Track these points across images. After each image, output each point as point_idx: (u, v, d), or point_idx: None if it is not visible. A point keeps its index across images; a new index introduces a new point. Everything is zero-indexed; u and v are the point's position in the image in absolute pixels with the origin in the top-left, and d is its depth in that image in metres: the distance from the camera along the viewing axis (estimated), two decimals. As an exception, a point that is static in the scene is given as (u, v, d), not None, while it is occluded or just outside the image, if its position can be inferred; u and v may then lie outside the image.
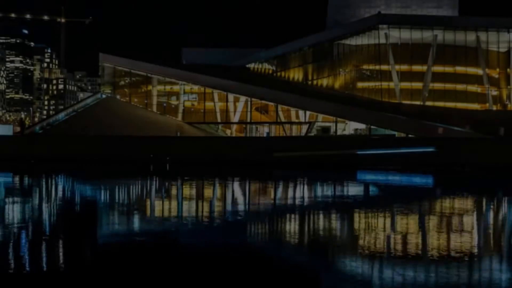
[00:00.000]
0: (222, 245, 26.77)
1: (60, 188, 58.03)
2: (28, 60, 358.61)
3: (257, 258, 24.78)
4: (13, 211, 38.42)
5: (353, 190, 60.29)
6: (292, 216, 38.48)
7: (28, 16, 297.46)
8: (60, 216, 37.88)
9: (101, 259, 24.06)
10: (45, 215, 37.28)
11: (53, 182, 63.90)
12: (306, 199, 49.47)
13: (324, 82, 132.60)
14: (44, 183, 62.78)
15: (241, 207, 43.58)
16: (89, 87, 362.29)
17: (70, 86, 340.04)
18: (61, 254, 25.24)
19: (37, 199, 46.63)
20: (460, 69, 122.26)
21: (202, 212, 39.77)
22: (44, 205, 42.47)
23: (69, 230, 32.23)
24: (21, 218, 35.54)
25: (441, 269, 22.86)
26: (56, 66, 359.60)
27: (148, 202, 45.27)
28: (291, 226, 35.02)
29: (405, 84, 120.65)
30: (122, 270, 21.75)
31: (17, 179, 67.00)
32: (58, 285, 19.75)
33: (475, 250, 27.28)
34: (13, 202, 43.40)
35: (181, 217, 36.95)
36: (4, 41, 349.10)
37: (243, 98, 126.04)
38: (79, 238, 29.56)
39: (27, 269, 21.67)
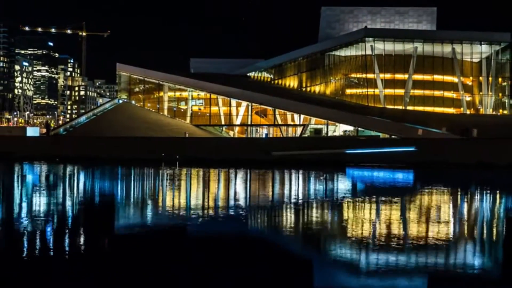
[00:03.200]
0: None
1: (84, 181, 58.35)
2: (53, 69, 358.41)
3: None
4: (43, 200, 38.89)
5: (342, 183, 60.57)
6: (289, 201, 39.23)
7: (53, 30, 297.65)
8: (92, 202, 38.32)
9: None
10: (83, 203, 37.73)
11: (79, 177, 64.18)
12: (301, 190, 49.83)
13: (317, 89, 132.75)
14: (75, 177, 63.08)
15: (243, 196, 43.94)
16: (108, 93, 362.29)
17: (90, 93, 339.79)
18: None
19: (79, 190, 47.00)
20: (437, 77, 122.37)
21: (208, 201, 40.20)
22: (81, 195, 42.90)
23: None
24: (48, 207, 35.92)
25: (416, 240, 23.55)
26: (78, 75, 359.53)
27: (172, 190, 45.63)
28: (288, 209, 35.55)
29: (389, 91, 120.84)
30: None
31: (43, 174, 67.22)
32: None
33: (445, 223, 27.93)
34: (45, 192, 43.84)
35: (189, 202, 37.45)
36: (32, 52, 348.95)
37: (244, 103, 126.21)
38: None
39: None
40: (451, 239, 27.53)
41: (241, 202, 42.47)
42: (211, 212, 36.04)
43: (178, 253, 23.75)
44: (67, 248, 24.13)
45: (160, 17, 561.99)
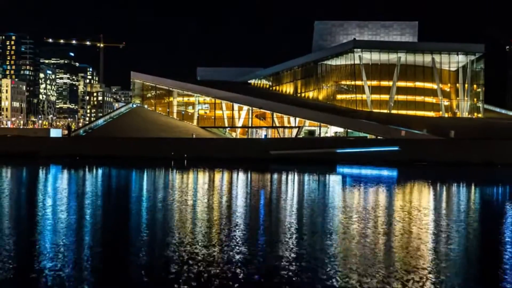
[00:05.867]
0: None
1: (104, 176, 58.39)
2: (74, 77, 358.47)
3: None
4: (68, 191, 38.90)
5: (333, 179, 60.60)
6: (286, 193, 39.27)
7: (74, 42, 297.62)
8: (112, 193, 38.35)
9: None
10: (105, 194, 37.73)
11: (100, 173, 64.19)
12: (296, 184, 49.90)
13: (310, 94, 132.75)
14: (97, 173, 63.06)
15: (244, 188, 44.01)
16: (123, 99, 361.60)
17: (107, 98, 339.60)
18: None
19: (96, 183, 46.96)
20: (419, 84, 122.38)
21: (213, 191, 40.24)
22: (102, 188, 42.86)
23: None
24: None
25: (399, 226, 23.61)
26: (96, 82, 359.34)
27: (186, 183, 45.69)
28: (285, 198, 35.62)
29: (375, 96, 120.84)
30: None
31: (65, 171, 67.19)
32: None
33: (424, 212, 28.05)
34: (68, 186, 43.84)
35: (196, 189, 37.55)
36: (55, 62, 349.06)
37: (245, 107, 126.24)
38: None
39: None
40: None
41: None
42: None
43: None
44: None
45: (169, 29, 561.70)
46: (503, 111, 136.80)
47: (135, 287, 16.81)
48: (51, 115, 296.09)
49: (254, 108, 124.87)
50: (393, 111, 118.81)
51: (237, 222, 28.24)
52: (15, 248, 21.23)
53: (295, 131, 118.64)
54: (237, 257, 20.05)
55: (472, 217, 32.86)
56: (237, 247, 21.64)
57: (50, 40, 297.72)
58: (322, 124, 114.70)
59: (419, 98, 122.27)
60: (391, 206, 35.97)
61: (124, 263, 19.78)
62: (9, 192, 41.71)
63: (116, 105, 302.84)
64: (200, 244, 22.25)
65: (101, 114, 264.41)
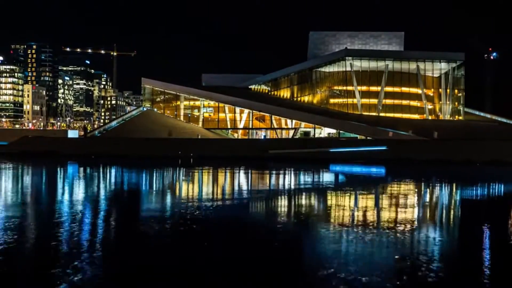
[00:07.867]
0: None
1: (117, 173, 58.51)
2: (89, 83, 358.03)
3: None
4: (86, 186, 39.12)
5: (327, 176, 60.72)
6: (282, 189, 39.47)
7: (89, 50, 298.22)
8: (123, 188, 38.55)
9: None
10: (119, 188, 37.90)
11: (114, 170, 64.29)
12: (292, 181, 50.06)
13: (306, 99, 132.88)
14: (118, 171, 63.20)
15: (245, 185, 44.20)
16: (134, 102, 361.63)
17: (120, 102, 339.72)
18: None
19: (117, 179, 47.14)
20: (405, 89, 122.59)
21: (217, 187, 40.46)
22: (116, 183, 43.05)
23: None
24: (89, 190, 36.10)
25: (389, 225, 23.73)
26: (110, 87, 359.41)
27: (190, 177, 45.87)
28: (281, 194, 35.82)
29: (365, 100, 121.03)
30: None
31: (82, 169, 67.32)
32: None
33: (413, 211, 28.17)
34: (84, 182, 44.02)
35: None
36: (72, 69, 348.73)
37: (246, 110, 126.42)
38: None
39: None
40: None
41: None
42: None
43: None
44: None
45: (176, 39, 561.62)
46: (482, 114, 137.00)
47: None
48: (69, 118, 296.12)
49: (254, 111, 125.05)
50: (381, 114, 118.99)
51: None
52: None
53: (291, 132, 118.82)
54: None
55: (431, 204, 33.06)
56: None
57: (68, 49, 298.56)
58: (316, 125, 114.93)
59: (405, 102, 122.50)
60: (377, 193, 36.18)
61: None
62: (33, 184, 41.94)
63: (128, 108, 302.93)
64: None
65: (114, 117, 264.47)
